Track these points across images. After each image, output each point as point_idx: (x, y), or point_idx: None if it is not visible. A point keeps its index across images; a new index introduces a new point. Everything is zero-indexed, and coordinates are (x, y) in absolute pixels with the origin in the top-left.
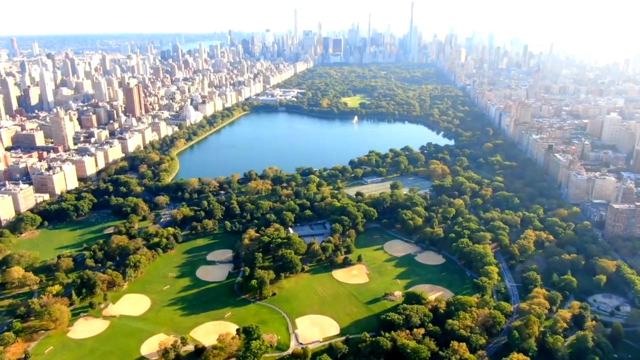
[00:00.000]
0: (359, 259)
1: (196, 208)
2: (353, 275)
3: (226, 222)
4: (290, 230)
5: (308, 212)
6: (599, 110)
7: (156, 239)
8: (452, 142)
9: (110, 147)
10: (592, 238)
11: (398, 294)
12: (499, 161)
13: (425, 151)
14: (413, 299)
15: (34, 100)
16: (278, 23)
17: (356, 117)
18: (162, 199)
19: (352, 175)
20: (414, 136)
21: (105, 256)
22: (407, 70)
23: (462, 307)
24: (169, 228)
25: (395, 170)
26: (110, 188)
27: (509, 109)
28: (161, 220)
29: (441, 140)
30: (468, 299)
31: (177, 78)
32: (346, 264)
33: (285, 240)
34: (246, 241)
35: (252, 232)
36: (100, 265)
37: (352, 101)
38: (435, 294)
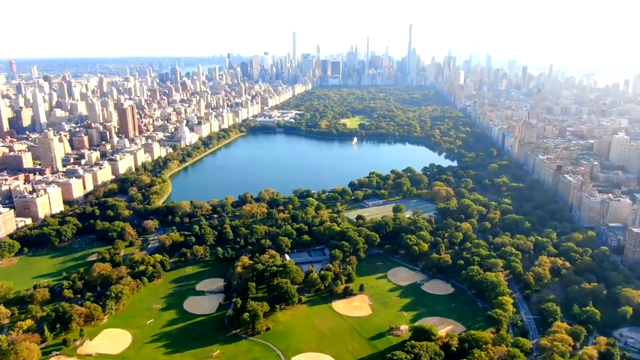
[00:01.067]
0: (361, 289)
1: (187, 233)
2: (355, 307)
3: (218, 248)
4: (287, 256)
5: (306, 237)
6: (604, 130)
7: (142, 267)
8: (455, 163)
9: (100, 168)
10: (612, 265)
11: (404, 328)
12: (505, 182)
13: (428, 172)
14: (421, 334)
15: (26, 121)
16: (277, 46)
17: (355, 138)
18: (151, 223)
19: (353, 197)
20: (416, 157)
21: (85, 286)
22: (406, 92)
23: (476, 343)
24: (156, 255)
25: (398, 192)
26: (97, 212)
27: (512, 130)
28: (149, 246)
29: (443, 162)
30: (483, 334)
31: (174, 100)
32: (347, 294)
33: (281, 269)
34: (239, 269)
35: (245, 259)
36: (79, 296)
37: (351, 122)
38: (445, 328)
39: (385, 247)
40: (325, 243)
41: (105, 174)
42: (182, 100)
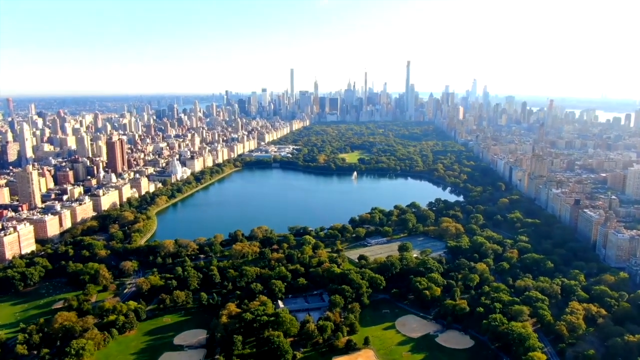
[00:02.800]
0: (366, 342)
1: (168, 276)
2: None
3: (202, 293)
4: (280, 303)
5: (302, 280)
6: (615, 163)
7: (112, 317)
8: (460, 198)
9: (80, 204)
10: None
11: None
12: (519, 218)
13: (434, 208)
14: None
15: (12, 156)
16: (275, 83)
17: (355, 173)
18: (129, 264)
19: (354, 235)
20: (419, 192)
21: (43, 340)
22: (405, 128)
23: None
24: (131, 302)
25: (402, 229)
26: (71, 252)
27: (519, 163)
28: (125, 291)
29: (448, 196)
30: None
31: (168, 135)
32: (349, 348)
33: (273, 318)
34: (224, 319)
35: (232, 307)
36: (35, 352)
37: (350, 157)
38: None
39: (392, 292)
40: (323, 287)
41: (85, 211)
42: (177, 136)
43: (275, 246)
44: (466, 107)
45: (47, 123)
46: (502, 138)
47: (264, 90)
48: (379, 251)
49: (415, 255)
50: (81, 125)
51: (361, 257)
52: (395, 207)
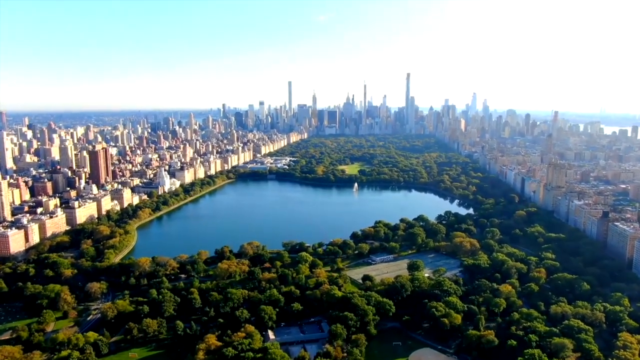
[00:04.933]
0: None
1: (140, 299)
2: None
3: (177, 321)
4: (270, 334)
5: (296, 305)
6: (633, 174)
7: (65, 352)
8: (470, 211)
9: (51, 217)
10: None
11: None
12: (541, 232)
13: (444, 221)
14: None
15: None
16: (273, 96)
17: (356, 185)
18: (97, 286)
19: (356, 252)
20: (425, 205)
21: None
22: (406, 140)
23: None
24: (90, 333)
25: (410, 245)
26: (32, 271)
27: (532, 174)
28: (89, 318)
29: (457, 209)
30: None
31: (161, 147)
32: None
33: (260, 355)
34: (200, 355)
35: (211, 340)
36: None
37: (350, 169)
38: None
39: (403, 319)
40: (322, 313)
41: (57, 224)
42: (169, 147)
43: (267, 264)
44: (467, 120)
45: (37, 135)
46: (508, 150)
47: (261, 103)
48: (386, 270)
49: (427, 274)
50: (72, 137)
51: (366, 278)
52: (402, 220)
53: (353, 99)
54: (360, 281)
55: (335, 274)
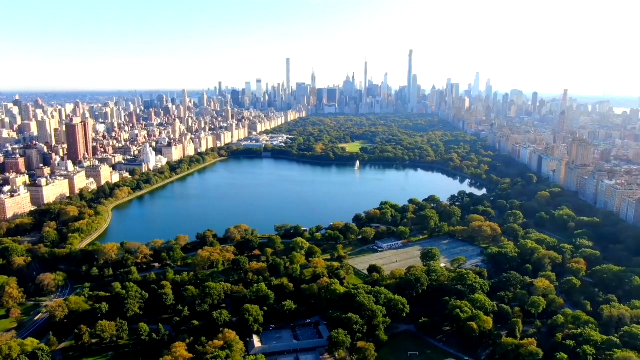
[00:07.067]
0: None
1: (101, 295)
2: None
3: (141, 324)
4: (255, 340)
5: (289, 303)
6: None
7: None
8: (484, 192)
9: (12, 197)
10: None
11: None
12: (571, 216)
13: (458, 203)
14: None
15: None
16: (270, 74)
17: (358, 163)
18: (51, 277)
19: (360, 237)
20: (433, 185)
21: None
22: (409, 119)
23: None
24: (29, 339)
25: (421, 229)
26: None
27: (551, 152)
28: (37, 317)
29: (469, 189)
30: None
31: (151, 123)
32: None
33: None
34: None
35: (180, 350)
36: None
37: (351, 147)
38: None
39: (419, 322)
40: (321, 313)
41: (20, 204)
42: (160, 124)
43: (256, 252)
44: (471, 100)
45: (23, 112)
46: (517, 129)
47: (259, 81)
48: (395, 259)
49: (443, 264)
50: (60, 114)
51: (372, 269)
52: (411, 201)
53: (353, 77)
54: (366, 272)
55: (336, 264)
